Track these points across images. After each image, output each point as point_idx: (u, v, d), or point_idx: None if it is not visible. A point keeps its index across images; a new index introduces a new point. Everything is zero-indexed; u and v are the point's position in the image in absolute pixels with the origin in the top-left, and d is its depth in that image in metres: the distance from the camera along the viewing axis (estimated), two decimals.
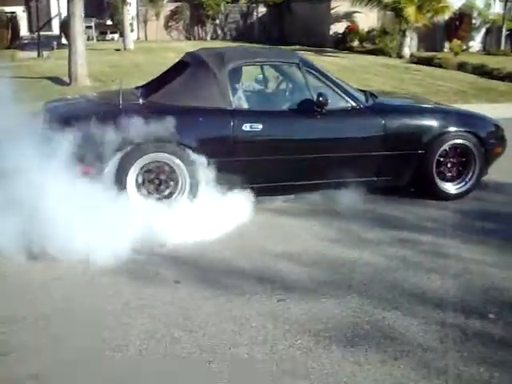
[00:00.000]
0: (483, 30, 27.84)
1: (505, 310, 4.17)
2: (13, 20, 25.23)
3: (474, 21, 27.26)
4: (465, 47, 25.99)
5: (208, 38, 30.50)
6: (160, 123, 5.35)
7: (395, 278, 4.63)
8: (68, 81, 13.83)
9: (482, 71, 17.59)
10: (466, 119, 6.73)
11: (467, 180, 6.52)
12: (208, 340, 3.70)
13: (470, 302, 4.27)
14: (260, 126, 5.81)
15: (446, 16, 24.49)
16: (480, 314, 4.10)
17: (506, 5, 26.75)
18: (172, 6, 30.39)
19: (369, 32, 25.18)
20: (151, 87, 6.49)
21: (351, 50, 24.40)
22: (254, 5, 31.49)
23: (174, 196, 5.60)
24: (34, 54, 20.45)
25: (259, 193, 5.82)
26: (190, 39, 30.19)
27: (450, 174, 6.50)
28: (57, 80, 14.38)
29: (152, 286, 4.39)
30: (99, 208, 4.83)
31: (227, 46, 8.71)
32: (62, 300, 4.20)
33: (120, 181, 5.40)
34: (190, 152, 5.58)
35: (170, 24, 30.56)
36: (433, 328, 3.91)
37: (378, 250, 5.15)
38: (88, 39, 26.78)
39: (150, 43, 27.33)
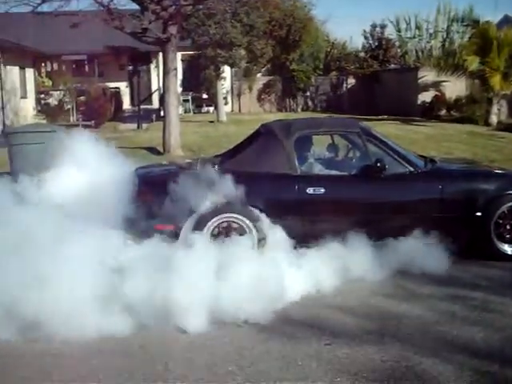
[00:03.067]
0: None
1: None
2: (116, 95, 27.32)
3: None
4: None
5: (299, 110, 31.60)
6: (231, 187, 6.07)
7: (440, 330, 4.96)
8: (162, 150, 14.92)
9: None
10: None
11: None
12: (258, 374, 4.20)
13: (507, 353, 4.54)
14: (322, 190, 6.38)
15: None
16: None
17: None
18: (265, 80, 31.84)
19: (456, 100, 25.42)
20: (228, 155, 7.27)
21: (438, 118, 24.68)
22: (344, 76, 32.42)
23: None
24: (135, 125, 22.05)
25: None
26: (281, 111, 31.38)
27: (508, 236, 6.73)
28: (153, 150, 15.54)
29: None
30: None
31: (297, 118, 9.37)
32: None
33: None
34: (257, 212, 6.22)
35: (262, 96, 31.97)
36: (465, 374, 4.21)
37: (428, 305, 5.48)
38: (185, 112, 28.56)
39: (242, 115, 28.66)
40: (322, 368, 4.28)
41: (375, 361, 4.39)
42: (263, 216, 6.24)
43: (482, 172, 7.59)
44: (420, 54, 35.84)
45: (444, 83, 26.06)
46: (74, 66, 28.80)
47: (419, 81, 27.31)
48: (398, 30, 37.46)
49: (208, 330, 4.90)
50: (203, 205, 6.12)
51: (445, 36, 35.84)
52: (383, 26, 36.27)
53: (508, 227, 6.73)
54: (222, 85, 27.32)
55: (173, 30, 14.86)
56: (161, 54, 17.57)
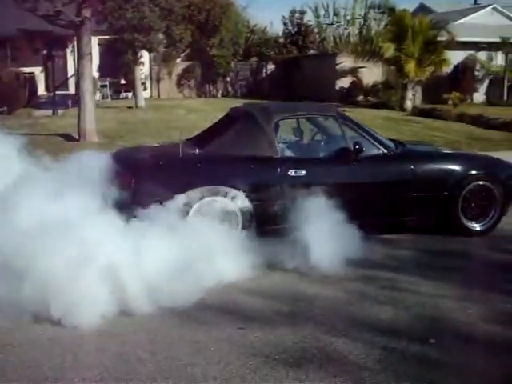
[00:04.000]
0: (486, 82, 28.53)
1: (446, 336, 4.59)
2: (31, 80, 26.40)
3: (477, 73, 27.96)
4: (469, 99, 26.63)
5: (219, 95, 31.52)
6: (216, 170, 6.38)
7: (350, 309, 5.07)
8: (77, 137, 14.57)
9: (479, 121, 18.16)
10: (487, 162, 7.53)
11: (490, 218, 7.17)
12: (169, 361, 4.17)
13: (415, 330, 4.69)
14: (303, 172, 6.48)
15: (447, 69, 25.20)
16: (421, 340, 4.51)
17: (507, 57, 27.49)
18: (184, 65, 31.57)
19: (373, 86, 26.02)
20: (202, 139, 7.21)
21: (356, 103, 25.17)
22: (264, 62, 32.55)
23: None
24: (50, 112, 21.41)
25: None
26: (201, 96, 31.23)
27: (474, 213, 7.15)
28: (67, 137, 15.16)
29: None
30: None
31: (269, 102, 9.29)
32: None
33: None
34: (242, 195, 6.24)
35: (182, 82, 31.72)
36: (374, 352, 4.33)
37: (340, 286, 5.58)
38: (103, 97, 27.98)
39: (162, 101, 28.36)
40: (234, 352, 4.29)
41: (287, 342, 4.44)
42: (246, 199, 6.26)
43: (449, 154, 8.00)
44: (338, 40, 36.46)
45: (361, 69, 26.61)
46: None
47: (337, 67, 27.78)
48: (317, 17, 37.97)
49: (119, 317, 4.83)
50: (189, 188, 6.11)
51: (362, 23, 36.58)
52: (302, 12, 36.69)
53: (473, 205, 7.13)
54: (141, 70, 26.87)
55: (87, 13, 14.47)
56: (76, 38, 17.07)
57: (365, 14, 36.43)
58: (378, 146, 6.96)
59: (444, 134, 16.11)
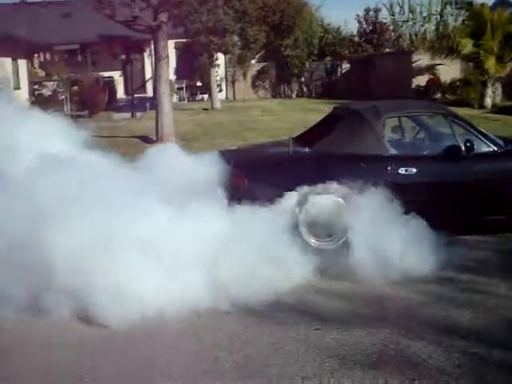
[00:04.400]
0: None
1: None
2: (110, 84, 27.21)
3: None
4: None
5: (293, 96, 31.54)
6: (327, 168, 6.42)
7: (427, 312, 4.98)
8: (155, 139, 14.90)
9: None
10: None
11: None
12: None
13: (495, 334, 4.56)
14: (414, 170, 6.47)
15: None
16: (503, 345, 4.39)
17: None
18: (259, 66, 31.75)
19: (451, 84, 25.37)
20: (308, 138, 7.26)
21: (434, 101, 24.61)
22: (338, 61, 32.34)
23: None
24: (129, 114, 21.99)
25: None
26: (276, 97, 31.32)
27: None
28: (145, 139, 15.51)
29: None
30: None
31: (382, 100, 9.23)
32: None
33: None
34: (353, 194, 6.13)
35: (256, 83, 31.90)
36: (454, 356, 4.23)
37: (416, 288, 5.48)
38: (179, 100, 28.49)
39: (237, 102, 28.62)
40: (311, 352, 4.30)
41: (364, 344, 4.41)
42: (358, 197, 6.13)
43: None
44: (414, 37, 35.78)
45: (438, 66, 26.00)
46: (66, 55, 28.63)
47: (413, 64, 27.25)
48: (392, 14, 37.39)
49: (196, 316, 4.91)
50: (301, 186, 6.16)
51: (438, 19, 35.78)
52: (377, 10, 36.24)
53: None
54: (216, 72, 27.24)
55: (163, 17, 14.76)
56: (153, 43, 17.47)
57: (441, 9, 35.61)
58: (488, 143, 6.85)
59: None
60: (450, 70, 25.35)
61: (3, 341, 4.69)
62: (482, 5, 24.21)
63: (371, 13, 36.36)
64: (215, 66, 26.21)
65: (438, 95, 25.72)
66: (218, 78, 28.78)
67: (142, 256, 5.02)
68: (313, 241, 6.15)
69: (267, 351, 4.35)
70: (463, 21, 26.58)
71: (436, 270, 5.68)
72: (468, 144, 6.59)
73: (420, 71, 26.89)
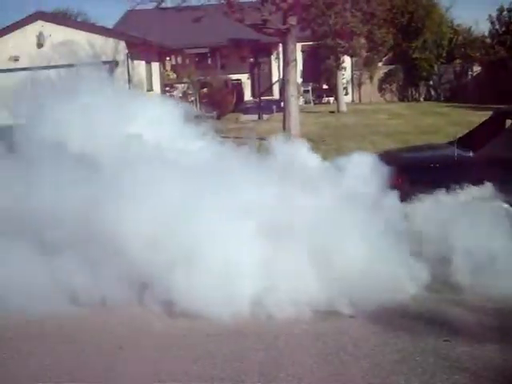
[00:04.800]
0: None
1: None
2: (238, 87, 27.79)
3: None
4: None
5: (421, 99, 30.77)
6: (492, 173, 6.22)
7: None
8: None
9: None
10: None
11: None
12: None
13: None
14: None
15: None
16: None
17: None
18: (385, 69, 31.23)
19: None
20: (469, 141, 7.15)
21: None
22: (468, 64, 31.22)
23: None
24: (255, 116, 22.36)
25: None
26: (403, 101, 30.68)
27: None
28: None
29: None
30: None
31: None
32: None
33: None
34: None
35: (383, 86, 31.40)
36: None
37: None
38: (305, 102, 28.60)
39: (363, 105, 28.33)
40: (440, 364, 4.18)
41: (496, 360, 4.23)
42: None
43: None
44: None
45: None
46: (196, 59, 29.54)
47: None
48: None
49: (321, 319, 4.92)
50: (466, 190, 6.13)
51: None
52: (511, 10, 34.58)
53: None
54: (343, 75, 27.11)
55: (292, 20, 14.89)
56: (281, 46, 17.67)
57: None
58: None
59: None
60: None
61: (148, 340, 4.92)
62: None
63: (505, 13, 34.75)
64: (342, 68, 26.10)
65: None
66: (344, 80, 28.62)
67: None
68: None
69: (394, 359, 4.27)
70: None
71: None
72: None
73: None
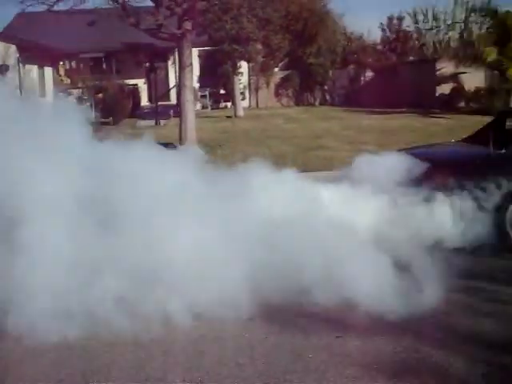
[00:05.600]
0: None
1: None
2: (134, 92, 27.44)
3: None
4: None
5: (317, 104, 31.51)
6: None
7: (451, 321, 4.93)
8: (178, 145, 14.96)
9: None
10: None
11: None
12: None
13: None
14: None
15: None
16: None
17: None
18: (281, 74, 31.78)
19: (475, 92, 25.19)
20: (482, 140, 7.63)
21: (457, 110, 24.45)
22: (362, 70, 32.27)
23: None
24: (153, 122, 22.14)
25: None
26: (299, 105, 31.31)
27: None
28: (169, 146, 15.55)
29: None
30: None
31: None
32: None
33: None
34: None
35: (279, 91, 31.94)
36: (477, 366, 4.19)
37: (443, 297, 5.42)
38: (203, 107, 28.61)
39: (260, 110, 28.66)
40: (333, 360, 4.29)
41: (386, 353, 4.39)
42: None
43: None
44: (438, 45, 35.54)
45: (462, 75, 25.84)
46: (91, 63, 28.97)
47: (437, 73, 27.12)
48: (416, 22, 37.18)
49: (219, 323, 4.93)
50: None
51: (463, 27, 35.51)
52: (400, 18, 36.12)
53: None
54: (239, 80, 27.33)
55: (188, 25, 14.85)
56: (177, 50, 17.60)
57: (465, 17, 35.32)
58: None
59: None
60: (474, 79, 25.19)
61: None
62: (507, 12, 24.02)
63: (395, 21, 36.28)
64: (238, 73, 26.33)
65: (462, 103, 25.54)
66: (242, 85, 28.87)
67: None
68: None
69: (289, 358, 4.35)
70: (487, 29, 26.34)
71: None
72: None
73: (444, 80, 26.74)
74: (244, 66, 28.27)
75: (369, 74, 32.47)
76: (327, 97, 32.52)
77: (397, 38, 35.78)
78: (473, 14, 33.99)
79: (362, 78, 32.53)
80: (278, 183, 6.19)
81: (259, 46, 25.52)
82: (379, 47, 36.43)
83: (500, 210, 6.61)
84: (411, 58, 34.91)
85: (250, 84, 31.27)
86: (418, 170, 6.63)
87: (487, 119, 20.76)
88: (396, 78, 30.20)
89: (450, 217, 6.41)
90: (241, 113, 24.95)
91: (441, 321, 4.94)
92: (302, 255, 5.22)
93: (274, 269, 5.10)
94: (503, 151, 7.06)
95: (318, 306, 5.13)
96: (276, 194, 5.95)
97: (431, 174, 6.70)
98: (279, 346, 4.54)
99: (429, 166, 6.76)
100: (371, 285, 5.01)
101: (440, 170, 6.87)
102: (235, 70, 25.59)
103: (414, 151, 7.92)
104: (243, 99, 28.90)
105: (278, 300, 5.05)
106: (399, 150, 8.11)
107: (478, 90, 25.25)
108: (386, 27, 36.37)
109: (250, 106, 30.67)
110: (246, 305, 5.00)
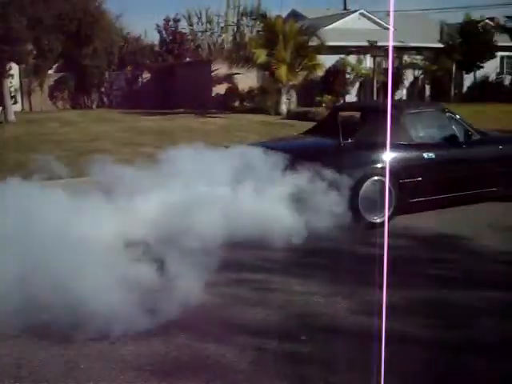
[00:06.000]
0: (357, 84, 29.68)
1: (316, 332, 4.71)
2: None
3: (348, 76, 29.01)
4: (342, 101, 27.57)
5: (94, 107, 30.86)
6: (376, 154, 7.87)
7: (222, 314, 5.09)
8: None
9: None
10: None
11: None
12: None
13: (286, 329, 4.79)
14: (432, 155, 8.27)
15: (320, 73, 25.98)
16: (293, 338, 4.61)
17: (375, 60, 28.72)
18: (56, 77, 30.66)
19: (249, 92, 26.39)
20: (327, 131, 8.68)
21: (233, 109, 25.43)
22: (140, 71, 32.21)
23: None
24: None
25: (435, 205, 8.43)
26: (76, 108, 30.46)
27: None
28: None
29: None
30: None
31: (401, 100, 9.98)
32: None
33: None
34: (390, 173, 7.90)
35: (54, 94, 30.78)
36: (247, 353, 4.37)
37: (214, 291, 5.58)
38: None
39: (34, 114, 27.41)
40: (106, 367, 4.20)
41: (160, 353, 4.41)
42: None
43: None
44: (212, 47, 36.69)
45: (237, 76, 26.91)
46: None
47: (213, 74, 27.95)
48: (191, 24, 38.05)
49: None
50: (359, 169, 7.71)
51: (235, 30, 37.02)
52: (176, 20, 36.73)
53: None
54: (10, 83, 25.85)
55: None
56: None
57: (238, 20, 36.92)
58: (476, 133, 8.81)
59: None
60: (247, 79, 26.37)
61: None
62: (278, 16, 25.47)
63: (171, 23, 36.75)
64: (8, 76, 24.86)
65: (237, 103, 26.59)
66: (13, 88, 27.34)
67: None
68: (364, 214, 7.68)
69: (60, 371, 4.18)
70: (258, 31, 27.72)
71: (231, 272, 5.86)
72: (469, 133, 8.69)
73: (219, 80, 27.66)
74: (15, 68, 26.79)
75: (146, 75, 32.51)
76: (104, 99, 31.98)
77: (173, 39, 36.28)
78: (244, 18, 35.61)
79: (140, 80, 32.48)
80: None
81: (30, 47, 24.33)
82: (157, 49, 36.69)
83: (353, 192, 7.56)
84: (188, 59, 35.62)
85: (21, 87, 29.74)
86: (276, 161, 7.20)
87: (260, 117, 22.00)
88: (173, 80, 30.63)
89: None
90: (12, 117, 23.60)
91: (212, 314, 5.08)
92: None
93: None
94: (350, 140, 7.98)
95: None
96: None
97: (291, 163, 7.30)
98: (50, 360, 4.34)
99: (286, 155, 7.35)
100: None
101: (298, 159, 7.47)
102: (4, 72, 24.12)
103: (265, 144, 8.76)
104: (15, 103, 27.39)
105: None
106: (249, 144, 8.91)
107: (251, 90, 26.47)
108: (162, 29, 36.71)
109: (22, 109, 29.20)
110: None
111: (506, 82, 33.82)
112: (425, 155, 8.26)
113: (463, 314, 5.06)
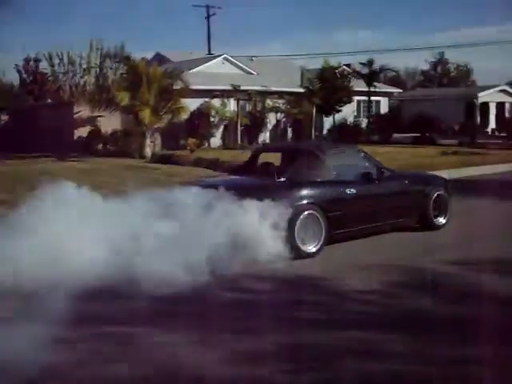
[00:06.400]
0: (222, 127, 30.08)
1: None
2: None
3: (212, 119, 29.35)
4: (206, 144, 27.77)
5: None
6: (307, 191, 8.94)
7: (85, 372, 4.78)
8: None
9: (215, 165, 18.95)
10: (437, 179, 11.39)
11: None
12: None
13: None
14: (353, 190, 9.28)
15: (185, 116, 26.07)
16: None
17: (238, 103, 29.31)
18: None
19: (112, 135, 25.98)
20: (268, 170, 9.56)
21: (96, 153, 24.84)
22: None
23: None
24: None
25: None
26: None
27: (437, 212, 10.47)
28: None
29: None
30: None
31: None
32: None
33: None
34: (320, 207, 8.79)
35: None
36: None
37: (71, 348, 5.24)
38: None
39: None
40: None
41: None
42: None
43: (423, 174, 12.51)
44: (74, 89, 35.85)
45: (99, 118, 26.43)
46: None
47: (75, 116, 27.30)
48: (52, 65, 37.00)
49: None
50: (295, 205, 8.45)
51: (98, 71, 36.43)
52: (37, 60, 35.63)
53: (437, 206, 10.43)
54: None
55: None
56: None
57: (101, 62, 36.36)
58: (385, 170, 9.93)
59: (182, 178, 16.43)
60: (110, 122, 25.96)
61: None
62: (142, 59, 25.36)
63: (31, 63, 35.65)
64: None
65: (100, 146, 26.06)
66: None
67: None
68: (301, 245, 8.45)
69: None
70: (122, 74, 27.45)
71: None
72: (382, 170, 9.78)
73: (82, 123, 27.04)
74: None
75: (4, 117, 31.17)
76: None
77: (34, 80, 35.17)
78: (108, 60, 35.16)
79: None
80: None
81: None
82: (16, 89, 35.36)
83: (290, 226, 8.25)
84: (49, 100, 34.59)
85: None
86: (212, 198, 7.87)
87: (124, 160, 21.60)
88: (33, 121, 29.56)
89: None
90: None
91: (68, 373, 4.76)
92: None
93: None
94: (282, 179, 8.87)
95: None
96: None
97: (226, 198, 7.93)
98: None
99: (225, 192, 8.03)
100: None
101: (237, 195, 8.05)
102: None
103: (201, 183, 9.30)
104: None
105: None
106: (185, 183, 9.55)
107: (114, 133, 26.05)
108: (22, 68, 35.51)
109: None
110: None
111: (363, 124, 35.67)
112: (347, 191, 9.21)
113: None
